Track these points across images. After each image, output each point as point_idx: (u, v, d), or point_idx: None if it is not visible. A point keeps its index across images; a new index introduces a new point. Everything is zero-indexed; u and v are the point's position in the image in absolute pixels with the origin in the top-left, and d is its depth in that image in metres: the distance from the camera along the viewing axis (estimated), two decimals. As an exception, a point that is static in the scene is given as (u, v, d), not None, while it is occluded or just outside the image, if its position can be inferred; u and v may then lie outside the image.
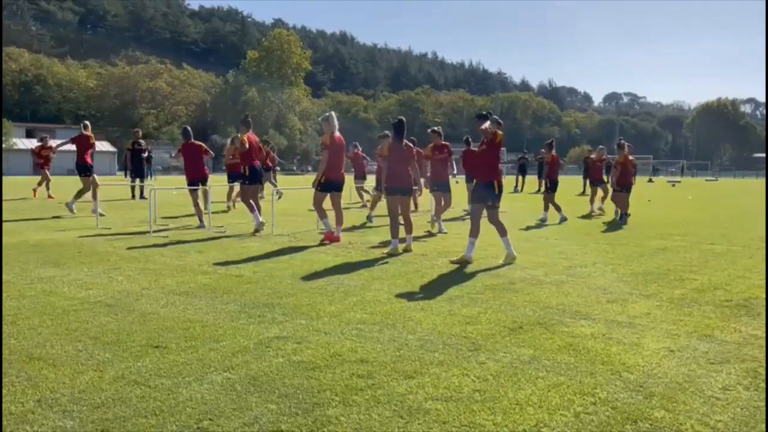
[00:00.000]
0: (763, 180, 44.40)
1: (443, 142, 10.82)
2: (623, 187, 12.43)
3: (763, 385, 3.32)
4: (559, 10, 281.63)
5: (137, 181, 17.76)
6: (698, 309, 5.02)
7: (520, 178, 26.53)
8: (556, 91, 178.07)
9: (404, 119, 8.34)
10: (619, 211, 12.57)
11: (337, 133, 8.78)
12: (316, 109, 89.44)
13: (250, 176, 10.04)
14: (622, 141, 13.06)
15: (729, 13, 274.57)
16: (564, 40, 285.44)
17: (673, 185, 37.90)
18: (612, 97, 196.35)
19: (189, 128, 11.51)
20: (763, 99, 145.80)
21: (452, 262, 7.08)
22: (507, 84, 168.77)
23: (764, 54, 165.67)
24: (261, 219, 9.77)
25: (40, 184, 18.41)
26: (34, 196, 17.95)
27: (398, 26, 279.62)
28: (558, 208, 12.54)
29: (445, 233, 9.97)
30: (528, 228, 11.15)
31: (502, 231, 7.29)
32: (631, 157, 12.99)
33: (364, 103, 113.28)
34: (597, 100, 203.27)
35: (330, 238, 8.74)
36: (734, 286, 5.94)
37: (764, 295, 5.49)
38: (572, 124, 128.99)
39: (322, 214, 8.96)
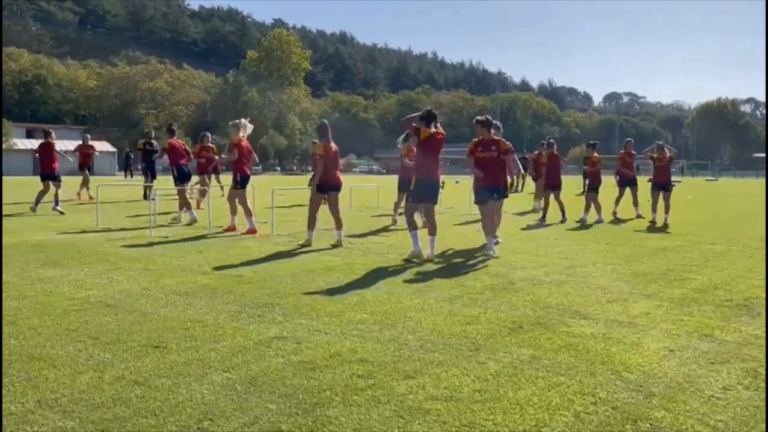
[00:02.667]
0: (763, 180, 44.37)
1: (493, 137, 8.15)
2: (552, 186, 12.33)
3: (763, 385, 3.32)
4: (559, 10, 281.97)
5: (154, 182, 17.40)
6: (698, 309, 5.02)
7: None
8: (556, 91, 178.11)
9: (327, 122, 9.05)
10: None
11: (240, 134, 10.04)
12: (316, 109, 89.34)
13: (177, 175, 11.58)
14: (551, 140, 13.46)
15: (729, 13, 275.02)
16: (564, 40, 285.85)
17: (673, 185, 37.85)
18: (612, 97, 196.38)
19: (86, 136, 13.70)
20: (763, 99, 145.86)
21: (404, 260, 7.25)
22: (507, 84, 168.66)
23: (764, 54, 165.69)
24: (195, 215, 11.18)
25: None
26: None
27: (398, 26, 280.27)
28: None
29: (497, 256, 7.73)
30: (527, 227, 11.16)
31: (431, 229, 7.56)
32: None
33: (364, 103, 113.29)
34: (597, 100, 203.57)
35: (251, 231, 9.69)
36: (734, 286, 5.94)
37: (764, 295, 5.49)
38: (572, 124, 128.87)
39: (233, 209, 10.10)
